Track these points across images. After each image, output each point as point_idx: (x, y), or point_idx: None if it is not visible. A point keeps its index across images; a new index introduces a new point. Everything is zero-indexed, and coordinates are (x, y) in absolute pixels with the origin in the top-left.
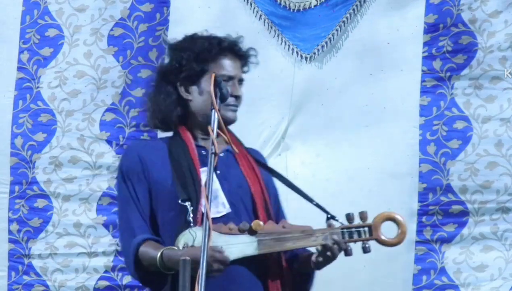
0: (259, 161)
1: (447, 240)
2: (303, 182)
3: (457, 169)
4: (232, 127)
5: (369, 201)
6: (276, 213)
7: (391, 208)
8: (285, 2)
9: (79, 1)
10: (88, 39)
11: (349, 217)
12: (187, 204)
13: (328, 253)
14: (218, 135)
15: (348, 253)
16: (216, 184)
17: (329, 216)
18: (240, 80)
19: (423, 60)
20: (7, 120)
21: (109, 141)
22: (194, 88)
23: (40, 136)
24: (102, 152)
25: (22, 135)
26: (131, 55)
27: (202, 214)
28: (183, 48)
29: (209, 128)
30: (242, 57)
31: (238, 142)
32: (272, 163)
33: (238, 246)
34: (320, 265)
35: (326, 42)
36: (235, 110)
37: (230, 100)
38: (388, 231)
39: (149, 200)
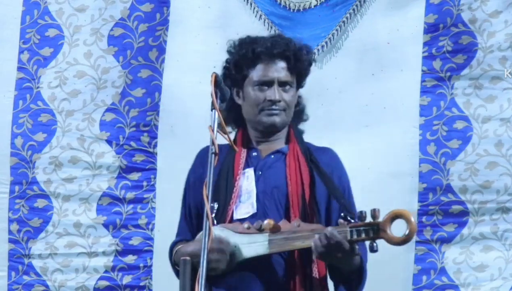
0: (315, 162)
1: (447, 240)
2: None
3: (457, 169)
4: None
5: (369, 201)
6: (336, 217)
7: (391, 208)
8: (285, 2)
9: (79, 1)
10: (88, 39)
11: (361, 215)
12: (214, 204)
13: (321, 249)
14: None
15: (354, 252)
16: (251, 185)
17: (342, 214)
18: (284, 83)
19: (423, 60)
20: (7, 120)
21: (109, 141)
22: (241, 93)
23: (40, 136)
24: (102, 152)
25: (22, 135)
26: (131, 55)
27: (232, 213)
28: (229, 53)
29: (209, 128)
30: (286, 58)
31: (298, 142)
32: None
33: (251, 246)
34: (332, 263)
35: (326, 42)
36: (272, 114)
37: (265, 105)
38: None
39: (200, 206)
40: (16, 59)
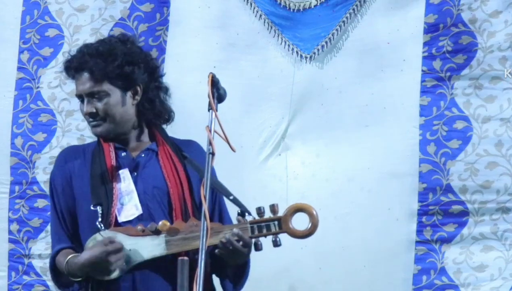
0: (188, 158)
1: (447, 240)
2: (303, 182)
3: (457, 169)
4: (232, 126)
5: (369, 201)
6: (213, 213)
7: (391, 208)
8: (285, 2)
9: (79, 1)
10: (88, 39)
11: (259, 211)
12: (98, 208)
13: (229, 248)
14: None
15: (258, 248)
16: (131, 186)
17: (239, 211)
18: (91, 94)
19: (423, 60)
20: (7, 120)
21: None
22: None
23: (40, 136)
24: None
25: (22, 135)
26: None
27: (116, 216)
28: None
29: (206, 128)
30: (87, 69)
31: (165, 140)
32: (272, 163)
33: (147, 248)
34: (229, 261)
35: (326, 42)
36: (94, 126)
37: (86, 118)
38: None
39: (73, 209)
40: (16, 59)
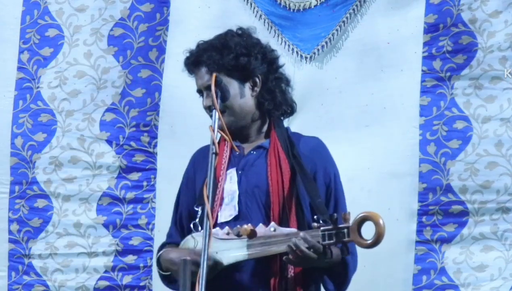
0: (296, 156)
1: (447, 240)
2: None
3: (457, 169)
4: None
5: (369, 201)
6: (327, 205)
7: (391, 208)
8: (285, 2)
9: (79, 1)
10: (88, 39)
11: (332, 219)
12: (199, 209)
13: (297, 253)
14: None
15: (327, 255)
16: (235, 186)
17: (315, 217)
18: (209, 87)
19: (423, 60)
20: (7, 120)
21: (109, 141)
22: None
23: (40, 136)
24: (102, 152)
25: (22, 135)
26: (131, 55)
27: (217, 217)
28: None
29: (210, 128)
30: (198, 64)
31: (279, 135)
32: None
33: (230, 251)
34: (300, 265)
35: (326, 42)
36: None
37: (207, 112)
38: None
39: (193, 209)
40: (16, 59)
